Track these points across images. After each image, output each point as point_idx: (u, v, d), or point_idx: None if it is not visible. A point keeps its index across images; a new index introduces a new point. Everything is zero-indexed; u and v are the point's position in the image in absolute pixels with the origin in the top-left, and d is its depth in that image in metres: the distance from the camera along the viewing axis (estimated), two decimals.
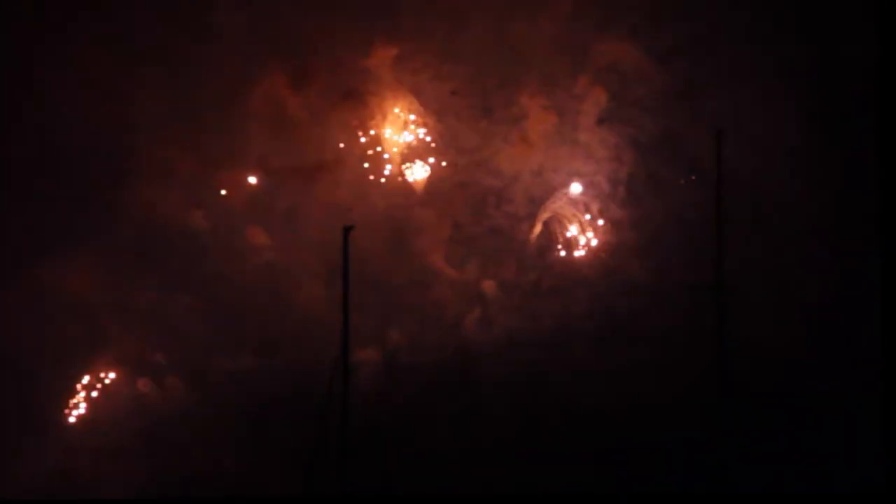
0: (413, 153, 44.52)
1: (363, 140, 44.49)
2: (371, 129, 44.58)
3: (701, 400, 40.77)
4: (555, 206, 44.04)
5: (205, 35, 44.11)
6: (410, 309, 43.66)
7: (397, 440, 42.07)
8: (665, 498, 41.10)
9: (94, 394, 43.31)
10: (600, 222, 43.92)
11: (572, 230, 43.99)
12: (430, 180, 44.49)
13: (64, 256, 43.23)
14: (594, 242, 43.95)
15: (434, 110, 44.57)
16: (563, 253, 43.97)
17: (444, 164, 44.33)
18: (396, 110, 44.49)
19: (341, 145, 44.37)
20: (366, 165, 44.46)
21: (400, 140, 44.53)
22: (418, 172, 44.38)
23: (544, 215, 44.06)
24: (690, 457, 41.05)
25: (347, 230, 35.91)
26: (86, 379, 43.29)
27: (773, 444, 41.24)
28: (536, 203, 44.17)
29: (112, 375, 43.39)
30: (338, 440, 34.67)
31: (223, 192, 44.25)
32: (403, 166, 44.35)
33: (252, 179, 44.41)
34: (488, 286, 43.73)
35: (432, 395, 42.83)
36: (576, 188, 43.63)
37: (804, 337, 41.88)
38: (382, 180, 44.30)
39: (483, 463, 42.07)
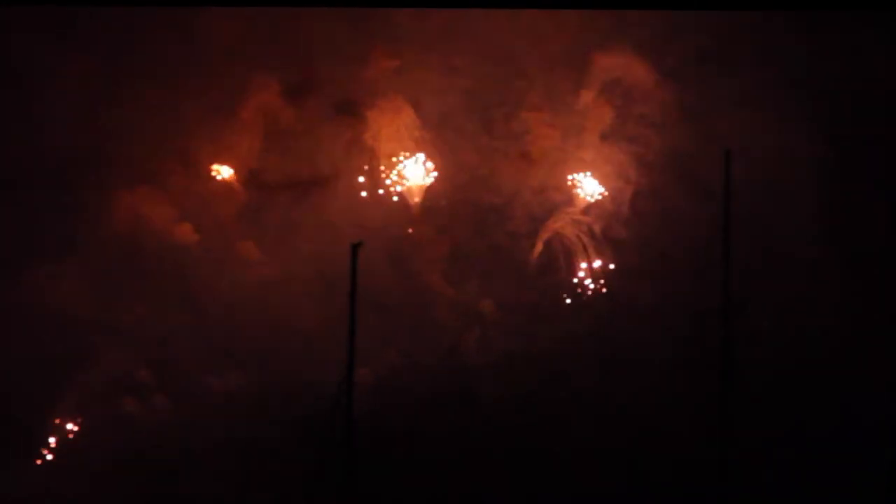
0: (411, 169, 43.80)
1: (361, 155, 43.85)
2: (368, 143, 43.85)
3: (706, 427, 40.11)
4: (557, 225, 43.38)
5: (201, 46, 43.41)
6: (408, 329, 42.93)
7: (395, 459, 41.29)
8: None
9: (79, 413, 42.39)
10: (604, 242, 43.39)
11: (575, 250, 43.37)
12: (429, 196, 43.76)
13: (52, 269, 42.47)
14: (597, 263, 43.33)
15: (433, 125, 43.85)
16: (564, 273, 43.37)
17: (441, 181, 43.91)
18: (395, 124, 43.79)
19: (337, 159, 43.78)
20: (362, 180, 43.85)
21: (398, 155, 43.82)
22: (415, 178, 43.64)
23: (546, 235, 43.38)
24: (694, 483, 40.31)
25: (356, 247, 35.23)
26: (71, 396, 42.28)
27: (780, 469, 40.53)
28: (538, 221, 43.46)
29: (98, 393, 42.37)
30: (345, 459, 34.20)
31: (215, 205, 43.79)
32: (398, 168, 43.78)
33: (245, 193, 43.81)
34: (487, 306, 43.07)
35: (429, 415, 42.00)
36: (589, 186, 43.16)
37: (813, 360, 41.19)
38: (395, 197, 43.82)
39: (481, 483, 41.32)
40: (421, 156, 43.85)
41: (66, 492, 41.55)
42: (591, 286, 43.42)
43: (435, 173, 43.82)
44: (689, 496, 40.61)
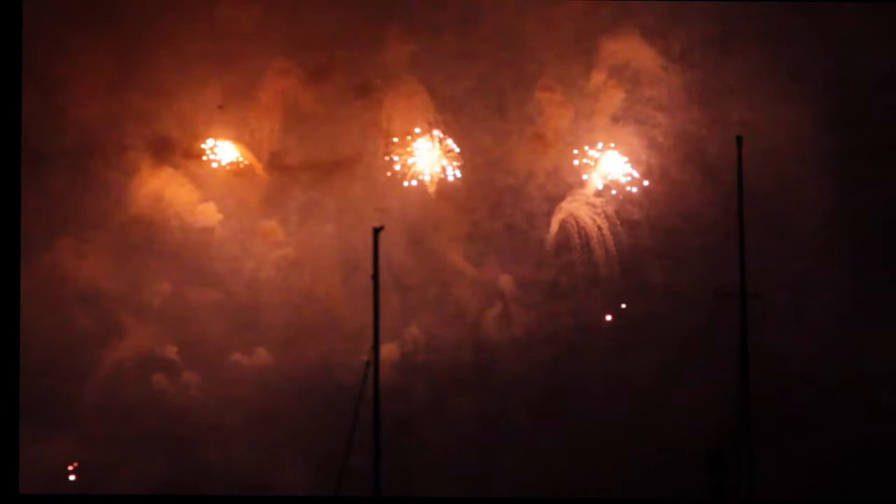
0: (429, 151, 44.56)
1: (379, 137, 44.48)
2: (385, 125, 44.48)
3: (721, 405, 40.54)
4: (570, 206, 44.15)
5: (220, 30, 44.02)
6: (430, 306, 43.65)
7: (419, 431, 42.18)
8: None
9: (108, 389, 43.01)
10: (616, 222, 44.19)
11: (588, 229, 44.13)
12: (446, 177, 44.46)
13: (79, 248, 43.16)
14: (610, 242, 44.08)
15: (450, 108, 44.52)
16: (579, 252, 44.12)
17: (458, 163, 44.65)
18: (411, 107, 44.47)
19: (356, 142, 44.41)
20: (380, 162, 44.48)
21: (416, 138, 44.51)
22: (432, 160, 44.43)
23: (560, 215, 44.17)
24: (709, 462, 41.01)
25: (377, 231, 35.68)
26: (101, 371, 42.97)
27: (795, 451, 41.30)
28: (553, 201, 44.19)
29: (126, 369, 43.13)
30: (373, 433, 34.70)
31: (238, 187, 44.44)
32: (418, 164, 44.48)
33: (267, 175, 44.49)
34: (506, 283, 43.82)
35: (452, 389, 42.87)
36: (602, 167, 44.01)
37: (827, 342, 42.01)
38: (411, 183, 44.52)
39: (500, 462, 42.21)
40: (437, 138, 44.53)
41: (97, 464, 42.35)
42: (605, 264, 44.21)
43: (452, 155, 44.46)
44: (704, 473, 41.27)
